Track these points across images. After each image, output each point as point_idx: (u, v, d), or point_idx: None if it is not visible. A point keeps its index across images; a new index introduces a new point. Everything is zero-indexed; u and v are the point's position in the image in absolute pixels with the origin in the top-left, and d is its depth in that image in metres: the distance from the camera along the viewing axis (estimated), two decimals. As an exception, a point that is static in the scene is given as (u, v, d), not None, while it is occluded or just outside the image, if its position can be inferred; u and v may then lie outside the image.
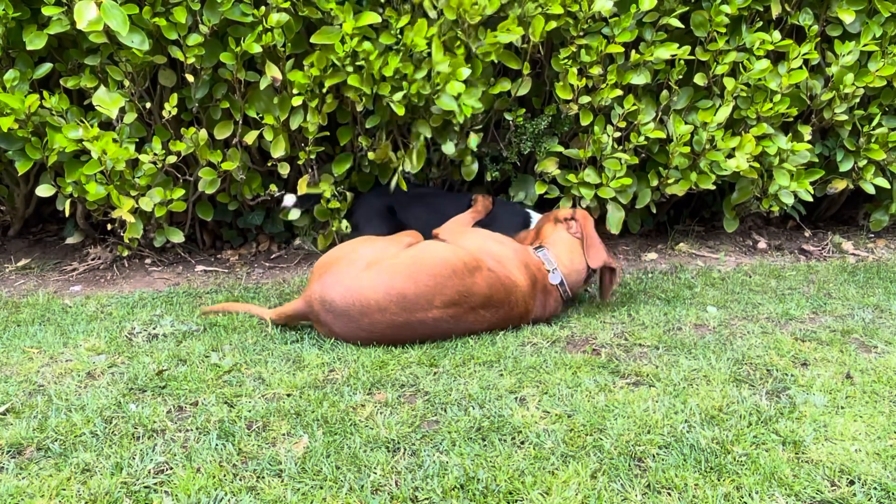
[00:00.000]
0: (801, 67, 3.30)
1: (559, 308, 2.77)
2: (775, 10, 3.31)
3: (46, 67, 3.00)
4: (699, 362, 2.31)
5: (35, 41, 2.83)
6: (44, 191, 3.11)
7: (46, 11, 2.74)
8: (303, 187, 3.29)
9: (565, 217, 2.89)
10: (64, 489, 1.63)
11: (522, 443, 1.82)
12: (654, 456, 1.76)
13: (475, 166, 3.43)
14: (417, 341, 2.46)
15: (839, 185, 3.76)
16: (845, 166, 3.69)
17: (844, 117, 3.49)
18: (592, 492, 1.62)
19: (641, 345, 2.48)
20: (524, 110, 3.34)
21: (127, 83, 2.98)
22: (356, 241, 2.76)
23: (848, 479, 1.69)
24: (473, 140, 3.22)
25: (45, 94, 2.92)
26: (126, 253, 3.39)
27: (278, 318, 2.60)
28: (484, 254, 2.59)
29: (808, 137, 3.50)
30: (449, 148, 3.18)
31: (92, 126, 2.90)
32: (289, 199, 3.32)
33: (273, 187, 3.35)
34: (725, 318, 2.77)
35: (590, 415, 1.95)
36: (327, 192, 3.28)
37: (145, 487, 1.65)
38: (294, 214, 3.35)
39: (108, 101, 2.92)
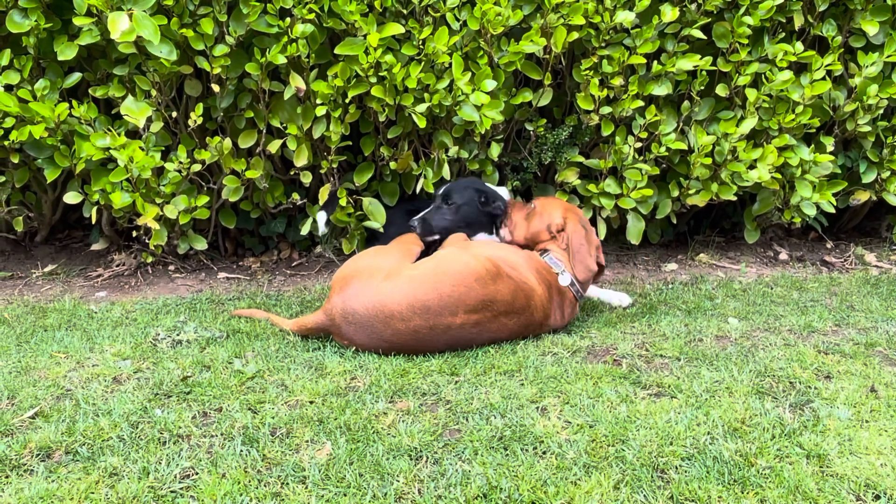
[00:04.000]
0: (823, 78, 3.28)
1: (576, 310, 2.78)
2: (798, 22, 3.31)
3: (76, 77, 3.06)
4: (721, 374, 2.30)
5: (66, 52, 2.89)
6: (71, 198, 3.16)
7: (78, 22, 2.79)
8: (324, 195, 3.32)
9: (558, 230, 2.82)
10: (92, 493, 1.66)
11: (544, 453, 1.83)
12: (676, 468, 1.76)
13: (496, 176, 3.44)
14: (439, 351, 2.47)
15: (862, 196, 3.74)
16: (868, 177, 3.67)
17: (867, 128, 3.47)
18: (615, 503, 1.62)
19: (662, 356, 2.48)
20: (545, 120, 3.36)
21: (154, 93, 3.03)
22: (369, 253, 2.78)
23: (874, 493, 1.67)
24: (495, 149, 3.24)
25: (74, 103, 2.98)
26: (150, 259, 3.44)
27: (299, 329, 2.62)
28: (499, 260, 2.60)
29: (830, 149, 3.48)
30: (463, 153, 3.21)
31: (119, 134, 2.95)
32: (321, 218, 3.33)
33: (295, 195, 3.39)
34: (747, 329, 2.76)
35: (612, 425, 1.95)
36: (343, 200, 3.30)
37: (172, 492, 1.67)
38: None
39: (135, 111, 2.97)
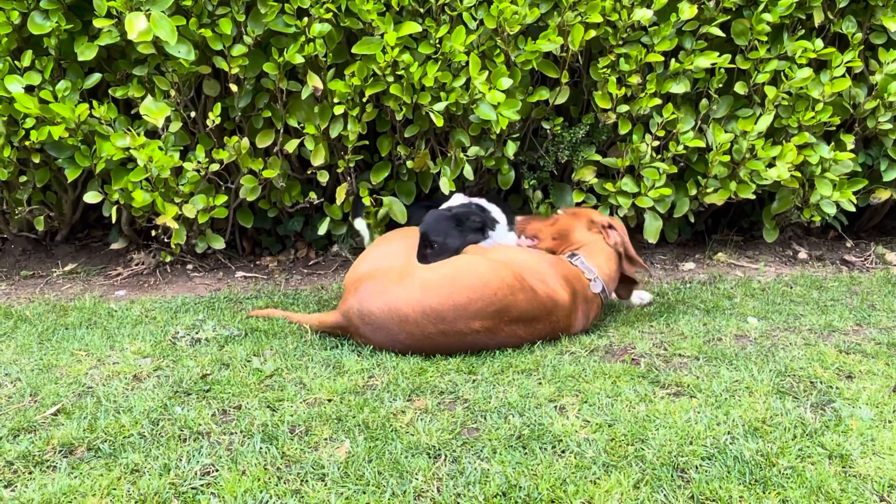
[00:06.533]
0: (844, 76, 3.25)
1: (601, 312, 2.78)
2: (818, 18, 3.28)
3: (96, 78, 3.08)
4: (741, 373, 2.28)
5: (86, 52, 2.92)
6: (91, 197, 3.20)
7: (98, 23, 2.82)
8: (341, 195, 3.33)
9: (603, 225, 2.85)
10: (114, 489, 1.67)
11: (563, 451, 1.82)
12: (697, 467, 1.75)
13: (512, 175, 3.43)
14: (454, 353, 2.47)
15: (883, 195, 3.70)
16: (889, 176, 3.63)
17: (889, 126, 3.43)
18: (635, 502, 1.62)
19: (681, 355, 2.46)
20: (562, 119, 3.35)
21: (173, 93, 3.05)
22: (376, 252, 2.76)
23: (897, 494, 1.66)
24: (511, 148, 3.23)
25: (95, 103, 3.01)
26: (168, 258, 3.47)
27: (319, 325, 2.63)
28: (524, 269, 2.54)
29: (850, 146, 3.45)
30: (481, 151, 3.20)
31: (139, 134, 2.97)
32: (361, 225, 3.36)
33: (312, 195, 3.40)
34: (767, 329, 2.74)
35: (631, 424, 1.94)
36: (366, 199, 3.31)
37: (192, 489, 1.68)
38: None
39: (154, 111, 2.99)
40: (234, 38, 3.00)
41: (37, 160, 3.15)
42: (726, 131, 3.33)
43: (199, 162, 3.10)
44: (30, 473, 1.74)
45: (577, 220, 2.90)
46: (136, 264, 3.55)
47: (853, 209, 3.52)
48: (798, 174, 3.36)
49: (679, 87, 3.22)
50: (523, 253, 2.74)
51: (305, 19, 2.96)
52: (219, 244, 3.43)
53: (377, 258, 2.69)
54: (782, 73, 3.25)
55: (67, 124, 2.95)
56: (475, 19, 3.02)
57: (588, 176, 3.43)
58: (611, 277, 2.78)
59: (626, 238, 2.87)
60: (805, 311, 2.97)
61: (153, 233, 3.34)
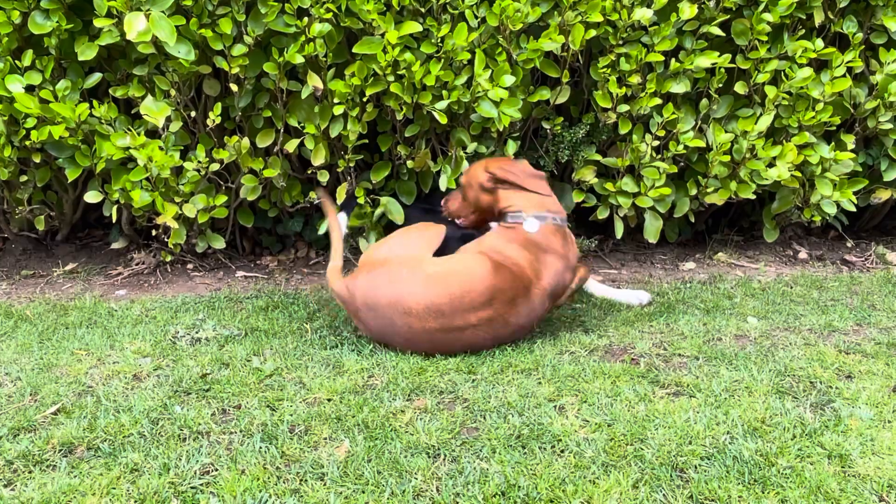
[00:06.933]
0: (844, 75, 3.24)
1: (573, 238, 2.71)
2: (818, 18, 3.27)
3: (96, 77, 3.08)
4: (740, 373, 2.28)
5: (86, 52, 2.92)
6: (92, 197, 3.20)
7: (98, 23, 2.82)
8: (341, 194, 3.33)
9: (491, 181, 2.73)
10: (114, 488, 1.68)
11: (563, 451, 1.83)
12: (696, 467, 1.75)
13: (512, 174, 3.43)
14: (454, 353, 2.47)
15: (883, 195, 3.69)
16: (889, 176, 3.63)
17: (889, 126, 3.43)
18: (634, 502, 1.62)
19: (681, 355, 2.46)
20: (562, 118, 3.34)
21: (173, 93, 3.05)
22: (397, 239, 2.76)
23: (896, 494, 1.66)
24: (511, 147, 3.23)
25: (95, 103, 3.01)
26: (169, 258, 3.47)
27: (329, 275, 2.70)
28: (489, 251, 2.55)
29: (851, 146, 3.44)
30: (481, 148, 3.20)
31: (139, 134, 2.97)
32: (342, 219, 3.33)
33: (313, 194, 3.40)
34: (766, 329, 2.74)
35: (630, 424, 1.94)
36: (361, 198, 3.31)
37: (192, 488, 1.68)
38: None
39: (154, 110, 2.99)
40: (235, 37, 2.99)
41: (37, 160, 3.15)
42: (726, 131, 3.32)
43: (199, 161, 3.10)
44: (29, 472, 1.75)
45: (476, 192, 2.80)
46: (137, 264, 3.55)
47: (854, 209, 3.52)
48: (798, 174, 3.35)
49: (679, 87, 3.22)
50: (479, 241, 2.68)
51: (305, 19, 2.95)
52: (219, 244, 3.43)
53: (397, 247, 2.68)
54: (782, 73, 3.24)
55: (68, 124, 2.95)
56: (476, 17, 3.02)
57: (588, 175, 3.43)
58: (540, 205, 2.65)
59: (509, 170, 2.71)
60: (805, 310, 2.96)
61: (153, 232, 3.34)
